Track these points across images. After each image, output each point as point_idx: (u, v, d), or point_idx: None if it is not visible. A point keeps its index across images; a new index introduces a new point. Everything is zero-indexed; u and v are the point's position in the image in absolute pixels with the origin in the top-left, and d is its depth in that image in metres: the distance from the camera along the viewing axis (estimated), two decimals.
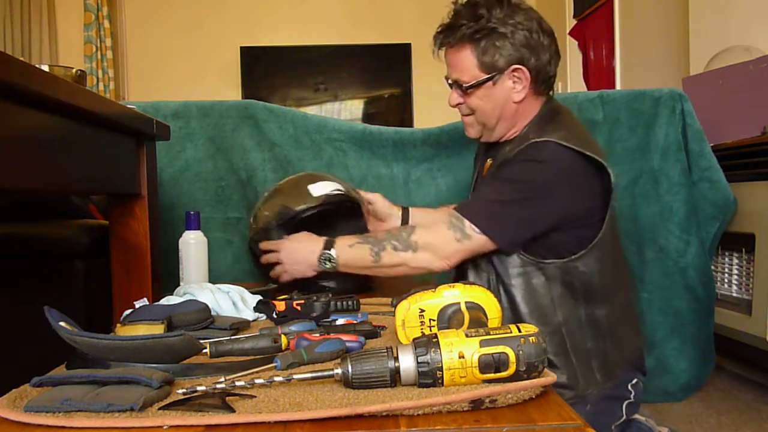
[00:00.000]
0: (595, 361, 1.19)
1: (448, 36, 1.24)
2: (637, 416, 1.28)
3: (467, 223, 1.15)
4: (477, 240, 1.16)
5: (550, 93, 1.30)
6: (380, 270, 1.23)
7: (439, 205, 1.59)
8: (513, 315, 1.18)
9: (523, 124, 1.26)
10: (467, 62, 1.23)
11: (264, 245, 1.34)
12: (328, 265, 1.24)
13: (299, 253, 1.28)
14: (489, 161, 1.33)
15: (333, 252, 1.23)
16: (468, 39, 1.21)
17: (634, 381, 1.25)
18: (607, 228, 1.19)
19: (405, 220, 1.48)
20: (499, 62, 1.20)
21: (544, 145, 1.15)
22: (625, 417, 1.23)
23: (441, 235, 1.17)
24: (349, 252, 1.23)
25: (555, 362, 1.17)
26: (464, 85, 1.25)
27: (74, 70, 1.16)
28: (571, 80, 4.10)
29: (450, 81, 1.29)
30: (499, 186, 1.20)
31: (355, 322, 0.98)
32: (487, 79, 1.22)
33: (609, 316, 1.20)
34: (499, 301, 1.16)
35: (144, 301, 1.06)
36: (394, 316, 0.82)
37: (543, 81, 1.24)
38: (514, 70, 1.21)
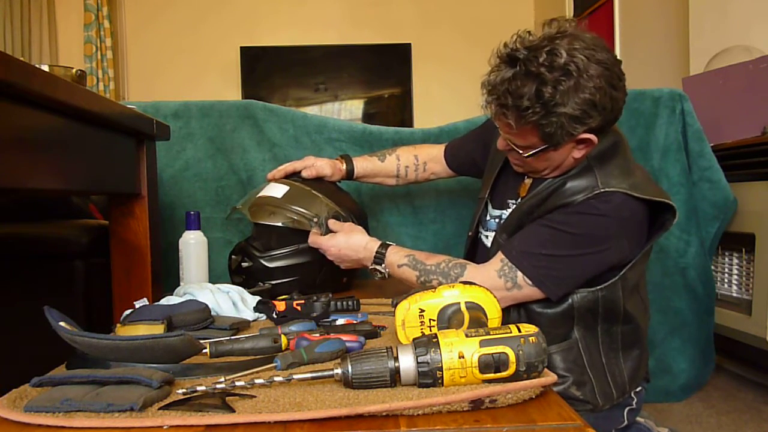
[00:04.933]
0: (611, 376, 1.17)
1: (506, 112, 1.06)
2: (636, 417, 1.27)
3: (520, 274, 1.11)
4: (527, 290, 1.12)
5: None
6: None
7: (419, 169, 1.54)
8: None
9: (580, 162, 1.14)
10: (527, 136, 1.09)
11: (314, 240, 1.32)
12: (380, 276, 1.24)
13: (352, 256, 1.27)
14: (528, 180, 1.23)
15: (383, 267, 1.24)
16: (533, 124, 1.05)
17: (638, 389, 1.24)
18: (641, 259, 1.16)
19: (350, 171, 1.47)
20: (563, 137, 1.06)
21: (612, 197, 1.08)
22: (626, 422, 1.23)
23: (491, 280, 1.11)
24: (398, 272, 1.22)
25: (572, 378, 1.15)
26: (520, 151, 1.12)
27: (74, 70, 1.16)
28: None
29: (500, 131, 1.16)
30: (556, 237, 1.11)
31: (355, 322, 0.98)
32: (548, 147, 1.09)
33: (625, 332, 1.19)
34: (518, 320, 1.16)
35: (144, 301, 1.06)
36: (394, 316, 0.82)
37: (609, 128, 1.12)
38: (580, 140, 1.08)
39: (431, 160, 1.53)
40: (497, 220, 1.29)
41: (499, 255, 1.15)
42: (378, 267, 1.24)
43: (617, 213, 1.09)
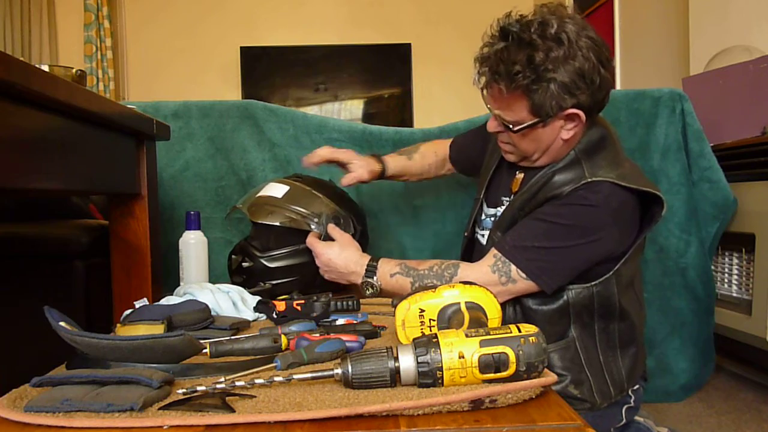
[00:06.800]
0: (609, 375, 1.18)
1: (497, 78, 1.09)
2: (635, 416, 1.28)
3: (513, 267, 1.11)
4: (522, 284, 1.12)
5: None
6: None
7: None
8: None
9: (569, 150, 1.16)
10: (516, 106, 1.11)
11: (311, 242, 1.32)
12: (370, 291, 1.23)
13: (340, 269, 1.26)
14: (520, 175, 1.24)
15: (375, 280, 1.22)
16: (523, 89, 1.07)
17: (636, 387, 1.25)
18: (634, 253, 1.17)
19: (382, 172, 1.46)
20: (552, 108, 1.08)
21: (600, 187, 1.09)
22: (624, 421, 1.23)
23: (485, 276, 1.12)
24: (391, 282, 1.21)
25: (569, 377, 1.15)
26: (510, 126, 1.14)
27: (74, 70, 1.16)
28: None
29: (491, 110, 1.17)
30: (547, 229, 1.12)
31: (355, 322, 0.98)
32: (537, 122, 1.11)
33: (621, 330, 1.19)
34: (514, 317, 1.16)
35: (144, 301, 1.06)
36: (394, 316, 0.82)
37: (596, 112, 1.15)
38: (568, 115, 1.10)
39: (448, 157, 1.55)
40: (492, 219, 1.30)
41: (492, 251, 1.16)
42: (370, 279, 1.22)
43: (606, 203, 1.10)
